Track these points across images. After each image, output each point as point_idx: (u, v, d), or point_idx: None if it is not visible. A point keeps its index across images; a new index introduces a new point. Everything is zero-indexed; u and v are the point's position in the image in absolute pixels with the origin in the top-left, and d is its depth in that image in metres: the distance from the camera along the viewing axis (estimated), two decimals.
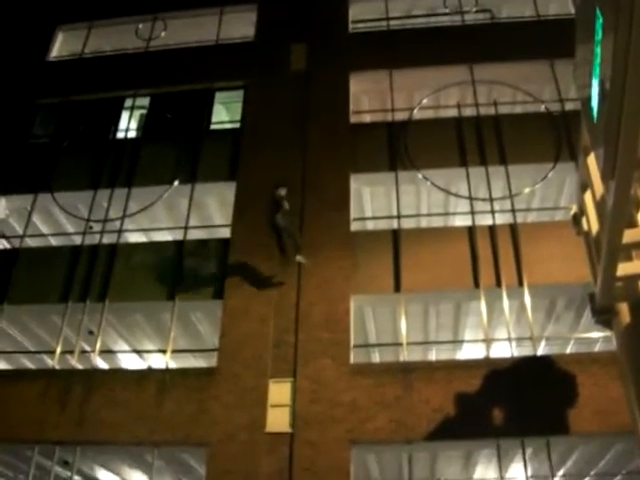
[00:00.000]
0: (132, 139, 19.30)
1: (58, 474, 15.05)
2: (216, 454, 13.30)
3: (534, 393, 13.07)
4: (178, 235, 17.02)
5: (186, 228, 16.65)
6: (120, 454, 15.49)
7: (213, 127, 19.08)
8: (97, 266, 16.20)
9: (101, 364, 16.13)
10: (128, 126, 19.50)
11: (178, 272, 15.79)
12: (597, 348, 15.98)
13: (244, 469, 12.95)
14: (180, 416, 13.74)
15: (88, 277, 16.06)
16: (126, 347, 17.60)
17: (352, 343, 14.34)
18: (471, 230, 15.46)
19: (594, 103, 6.59)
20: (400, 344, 14.66)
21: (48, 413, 14.25)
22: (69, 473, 14.73)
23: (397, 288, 14.87)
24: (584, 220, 9.31)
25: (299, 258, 14.62)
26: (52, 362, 15.51)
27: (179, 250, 16.20)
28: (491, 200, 15.88)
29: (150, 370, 16.60)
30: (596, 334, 15.08)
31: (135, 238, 18.09)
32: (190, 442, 13.69)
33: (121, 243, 16.83)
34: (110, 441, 14.01)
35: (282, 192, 14.32)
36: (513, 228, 15.31)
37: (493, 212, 15.72)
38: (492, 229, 15.36)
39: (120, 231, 16.94)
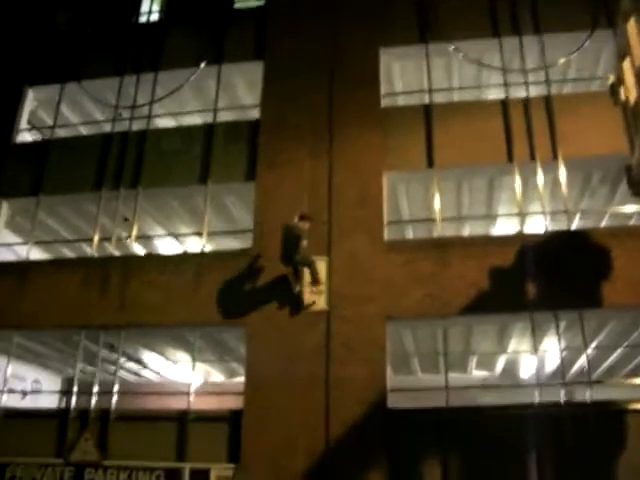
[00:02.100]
0: (155, 23, 18.85)
1: (105, 357, 15.67)
2: (255, 333, 13.67)
3: (568, 267, 13.10)
4: (208, 118, 16.89)
5: (215, 110, 16.51)
6: (162, 336, 16.03)
7: (237, 6, 18.52)
8: (128, 153, 16.26)
9: (138, 250, 16.42)
10: (150, 9, 19.07)
11: (209, 155, 15.79)
12: (632, 222, 15.85)
13: (283, 347, 13.34)
14: (218, 298, 14.06)
15: (120, 164, 16.15)
16: (162, 232, 17.83)
17: (386, 220, 14.39)
18: (504, 103, 15.12)
19: None
20: (434, 220, 14.66)
21: (90, 299, 14.68)
22: (116, 356, 15.33)
23: (430, 164, 14.75)
24: (622, 90, 9.10)
25: (298, 289, 13.77)
26: (90, 250, 15.85)
27: (209, 133, 16.13)
28: (525, 71, 15.42)
29: (187, 254, 16.89)
30: (631, 207, 14.92)
31: (164, 123, 18.01)
32: (229, 323, 14.07)
33: (151, 129, 16.80)
34: (151, 323, 14.46)
35: (305, 226, 13.40)
36: (548, 100, 14.91)
37: (527, 84, 15.29)
38: (526, 102, 14.99)
39: (149, 117, 16.87)
